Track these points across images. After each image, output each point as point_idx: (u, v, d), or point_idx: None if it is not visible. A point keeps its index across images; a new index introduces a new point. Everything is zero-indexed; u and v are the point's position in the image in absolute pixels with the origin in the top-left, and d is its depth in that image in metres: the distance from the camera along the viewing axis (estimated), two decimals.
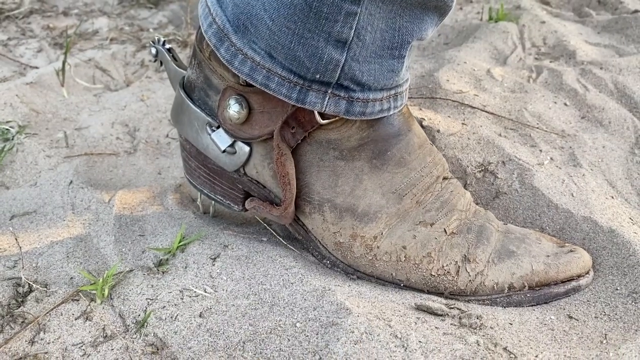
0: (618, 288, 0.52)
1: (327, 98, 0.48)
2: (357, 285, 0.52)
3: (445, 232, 0.52)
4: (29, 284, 0.53)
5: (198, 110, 0.56)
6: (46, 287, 0.53)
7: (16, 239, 0.56)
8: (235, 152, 0.55)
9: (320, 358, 0.42)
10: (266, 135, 0.53)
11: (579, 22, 1.06)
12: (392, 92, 0.52)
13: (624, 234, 0.57)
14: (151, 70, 0.99)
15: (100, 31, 1.11)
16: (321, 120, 0.51)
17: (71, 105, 0.89)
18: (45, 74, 0.92)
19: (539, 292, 0.51)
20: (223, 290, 0.52)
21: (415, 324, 0.45)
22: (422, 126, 0.71)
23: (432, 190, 0.54)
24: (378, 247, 0.51)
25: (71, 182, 0.69)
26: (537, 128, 0.75)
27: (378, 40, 0.47)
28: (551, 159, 0.70)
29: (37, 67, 0.97)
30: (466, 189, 0.66)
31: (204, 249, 0.57)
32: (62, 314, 0.51)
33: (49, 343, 0.49)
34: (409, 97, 0.79)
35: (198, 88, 0.56)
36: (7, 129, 0.79)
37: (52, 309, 0.51)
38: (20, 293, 0.52)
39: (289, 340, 0.45)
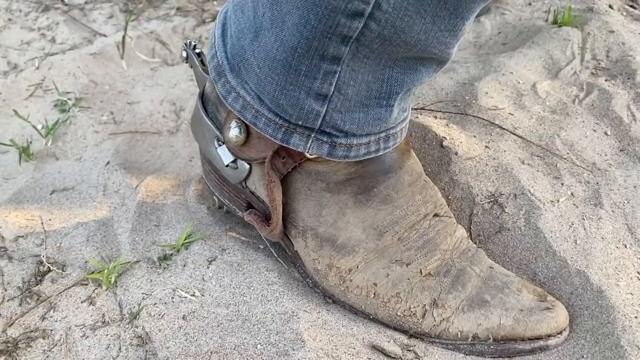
0: (584, 356, 0.52)
1: (310, 141, 0.50)
2: (327, 312, 0.55)
3: (421, 273, 0.54)
4: (48, 265, 0.60)
5: (209, 123, 0.60)
6: (62, 269, 0.60)
7: (41, 222, 0.64)
8: (237, 168, 0.59)
9: None
10: (262, 159, 0.56)
11: None
12: (382, 134, 0.52)
13: (612, 296, 0.55)
14: (206, 48, 1.03)
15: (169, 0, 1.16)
16: (309, 155, 0.53)
17: (128, 77, 0.96)
18: (109, 45, 0.99)
19: (503, 346, 0.52)
20: (209, 295, 0.57)
21: None
22: (441, 146, 0.71)
23: (417, 227, 0.56)
24: (351, 280, 0.54)
25: (108, 162, 0.76)
26: (565, 159, 0.72)
27: (363, 91, 0.48)
28: (572, 194, 0.68)
29: (105, 35, 1.04)
30: (471, 219, 0.66)
31: (204, 250, 0.62)
32: (71, 296, 0.58)
33: (56, 321, 0.56)
34: (439, 110, 0.78)
35: (211, 102, 0.60)
36: (65, 101, 0.86)
37: (63, 291, 0.58)
38: (40, 271, 0.60)
39: None
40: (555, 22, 0.96)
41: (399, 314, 0.53)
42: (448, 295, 0.53)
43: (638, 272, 0.62)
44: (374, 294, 0.53)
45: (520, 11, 1.04)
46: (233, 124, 0.55)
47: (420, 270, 0.54)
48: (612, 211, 0.67)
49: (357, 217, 0.54)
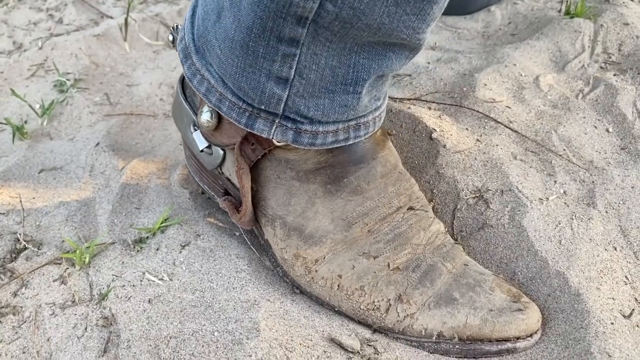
0: None
1: (274, 127, 0.49)
2: (291, 302, 0.54)
3: (388, 267, 0.52)
4: (24, 242, 0.61)
5: (187, 108, 0.59)
6: (38, 248, 0.61)
7: (20, 200, 0.64)
8: (212, 154, 0.58)
9: None
10: (233, 144, 0.55)
11: None
12: (352, 122, 0.51)
13: (590, 300, 0.53)
14: None
15: None
16: (276, 142, 0.52)
17: (130, 60, 0.96)
18: (113, 27, 0.99)
19: (468, 346, 0.50)
20: (178, 280, 0.57)
21: (317, 358, 0.47)
22: (430, 139, 0.69)
23: (389, 220, 0.54)
24: (316, 271, 0.53)
25: (98, 143, 0.76)
26: (561, 155, 0.69)
27: (328, 77, 0.46)
28: (564, 192, 0.66)
29: (111, 17, 1.05)
30: (454, 214, 0.64)
31: (178, 235, 0.62)
32: (44, 274, 0.59)
33: (27, 298, 0.57)
34: (433, 102, 0.76)
35: (190, 87, 0.59)
36: (64, 81, 0.87)
37: (36, 268, 0.59)
38: (16, 249, 0.61)
39: (203, 347, 0.49)
40: (568, 12, 0.92)
41: (362, 307, 0.52)
42: (414, 290, 0.51)
43: (626, 277, 0.59)
44: (338, 285, 0.52)
45: (533, 1, 1.00)
46: (205, 108, 0.54)
47: (388, 264, 0.52)
48: (606, 212, 0.64)
49: (325, 207, 0.53)
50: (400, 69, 0.49)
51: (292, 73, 0.45)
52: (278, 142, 0.51)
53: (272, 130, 0.49)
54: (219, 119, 0.54)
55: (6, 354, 0.53)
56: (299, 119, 0.48)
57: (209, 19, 0.48)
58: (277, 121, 0.49)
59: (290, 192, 0.54)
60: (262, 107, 0.48)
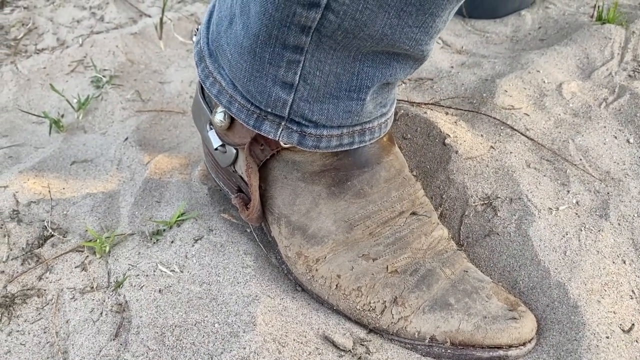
0: None
1: (280, 129, 0.51)
2: (292, 299, 0.56)
3: (387, 269, 0.54)
4: (51, 230, 0.65)
5: (205, 107, 0.62)
6: (64, 235, 0.65)
7: (49, 190, 0.69)
8: (225, 152, 0.61)
9: None
10: (244, 144, 0.57)
11: None
12: (357, 128, 0.53)
13: (587, 313, 0.53)
14: None
15: None
16: (283, 144, 0.54)
17: (164, 58, 1.00)
18: (149, 26, 1.04)
19: (460, 351, 0.51)
20: (188, 272, 0.60)
21: (309, 354, 0.49)
22: (443, 144, 0.70)
23: (391, 224, 0.55)
24: (317, 270, 0.55)
25: (127, 138, 0.80)
26: (577, 165, 0.69)
27: (333, 83, 0.48)
28: (577, 202, 0.65)
29: (149, 16, 1.09)
30: (462, 220, 0.65)
31: (193, 229, 0.65)
32: (67, 261, 0.63)
33: (51, 282, 0.61)
34: (450, 107, 0.76)
35: None
36: (101, 78, 0.92)
37: (60, 255, 0.63)
38: (44, 235, 0.65)
39: (203, 337, 0.52)
40: (599, 18, 0.91)
41: (358, 307, 0.53)
42: (410, 294, 0.53)
43: (633, 291, 0.58)
44: (337, 285, 0.54)
45: (566, 5, 0.99)
46: (219, 109, 0.57)
47: (387, 267, 0.54)
48: (618, 224, 0.64)
49: (329, 209, 0.55)
50: (405, 78, 0.51)
51: (297, 78, 0.47)
52: (284, 144, 0.53)
53: (279, 133, 0.51)
54: (232, 119, 0.57)
55: (29, 333, 0.57)
56: (304, 122, 0.50)
57: (222, 24, 0.50)
58: (283, 124, 0.51)
59: (296, 192, 0.56)
60: (269, 110, 0.50)
